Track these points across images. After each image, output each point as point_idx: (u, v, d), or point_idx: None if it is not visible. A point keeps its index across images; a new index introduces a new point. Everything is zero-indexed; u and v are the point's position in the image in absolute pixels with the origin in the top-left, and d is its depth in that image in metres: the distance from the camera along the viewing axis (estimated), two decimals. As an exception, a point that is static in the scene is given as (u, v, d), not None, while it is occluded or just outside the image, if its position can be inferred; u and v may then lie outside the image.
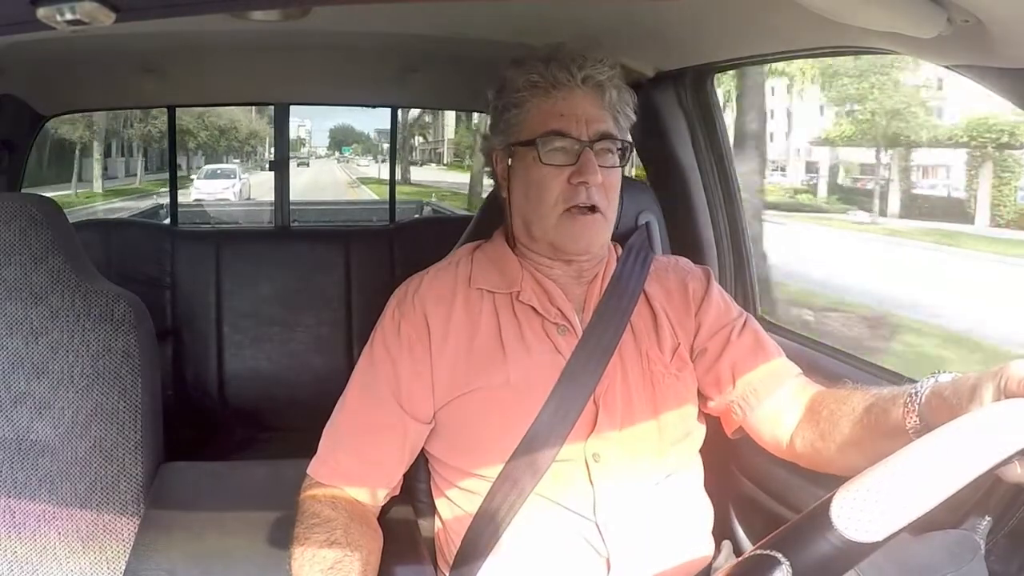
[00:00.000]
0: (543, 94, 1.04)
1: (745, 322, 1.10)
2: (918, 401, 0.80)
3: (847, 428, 0.92)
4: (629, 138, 1.09)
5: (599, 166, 1.02)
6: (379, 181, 14.92)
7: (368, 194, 14.78)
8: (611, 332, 1.05)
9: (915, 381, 1.15)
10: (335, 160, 24.38)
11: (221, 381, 2.23)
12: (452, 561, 1.04)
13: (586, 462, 1.00)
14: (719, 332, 1.08)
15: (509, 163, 1.07)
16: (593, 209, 1.02)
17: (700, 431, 1.08)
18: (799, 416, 1.01)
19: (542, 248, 1.06)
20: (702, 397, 1.09)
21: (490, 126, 1.12)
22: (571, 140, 1.02)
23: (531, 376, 1.01)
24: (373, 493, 1.01)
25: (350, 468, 1.00)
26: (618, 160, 1.05)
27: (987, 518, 0.67)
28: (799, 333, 1.46)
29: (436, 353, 1.03)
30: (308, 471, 1.02)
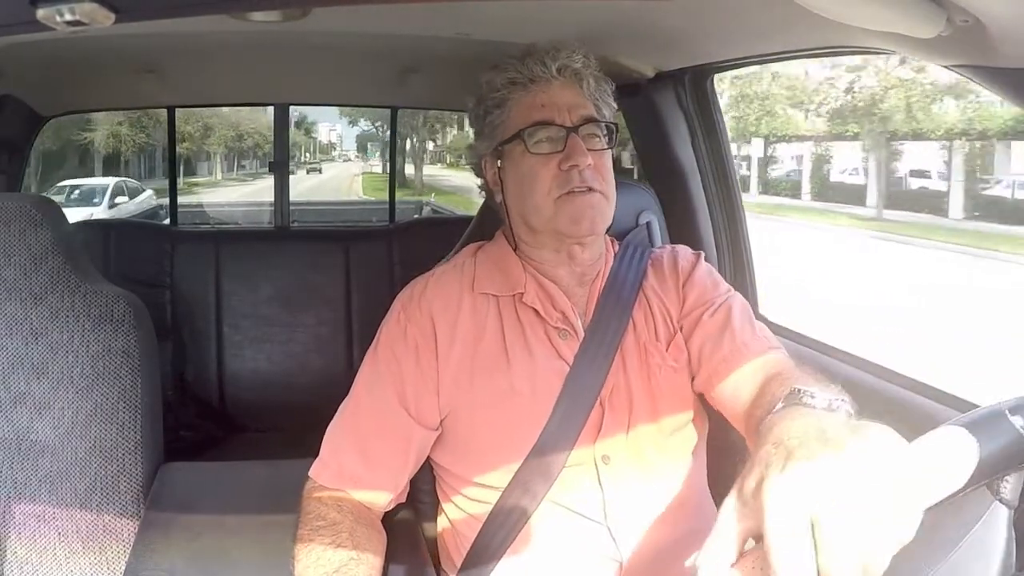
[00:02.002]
0: (522, 89, 1.04)
1: (723, 303, 1.06)
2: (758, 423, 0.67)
3: (756, 431, 0.80)
4: (614, 122, 1.08)
5: (588, 149, 1.01)
6: (372, 173, 22.26)
7: (359, 181, 20.86)
8: (612, 331, 1.04)
9: (920, 383, 1.15)
10: (361, 160, 27.66)
11: (221, 381, 2.24)
12: (460, 564, 1.04)
13: (596, 465, 0.99)
14: (693, 312, 1.06)
15: (499, 164, 1.07)
16: (590, 190, 1.01)
17: (702, 421, 1.07)
18: (751, 396, 0.92)
19: (546, 240, 1.05)
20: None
21: (475, 135, 1.11)
22: (556, 128, 1.02)
23: (535, 383, 1.01)
24: (378, 497, 1.00)
25: (355, 472, 0.99)
26: (606, 143, 1.05)
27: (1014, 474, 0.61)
28: (799, 333, 1.46)
29: (442, 358, 1.02)
30: (311, 474, 1.00)
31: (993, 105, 12.41)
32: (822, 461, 0.51)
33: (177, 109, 2.65)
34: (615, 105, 1.09)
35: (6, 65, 1.68)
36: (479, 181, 1.15)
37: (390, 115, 2.99)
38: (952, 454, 0.55)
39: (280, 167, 2.60)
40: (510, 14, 1.41)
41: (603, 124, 1.05)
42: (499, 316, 1.04)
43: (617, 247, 1.13)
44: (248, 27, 1.44)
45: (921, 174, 14.41)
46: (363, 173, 23.59)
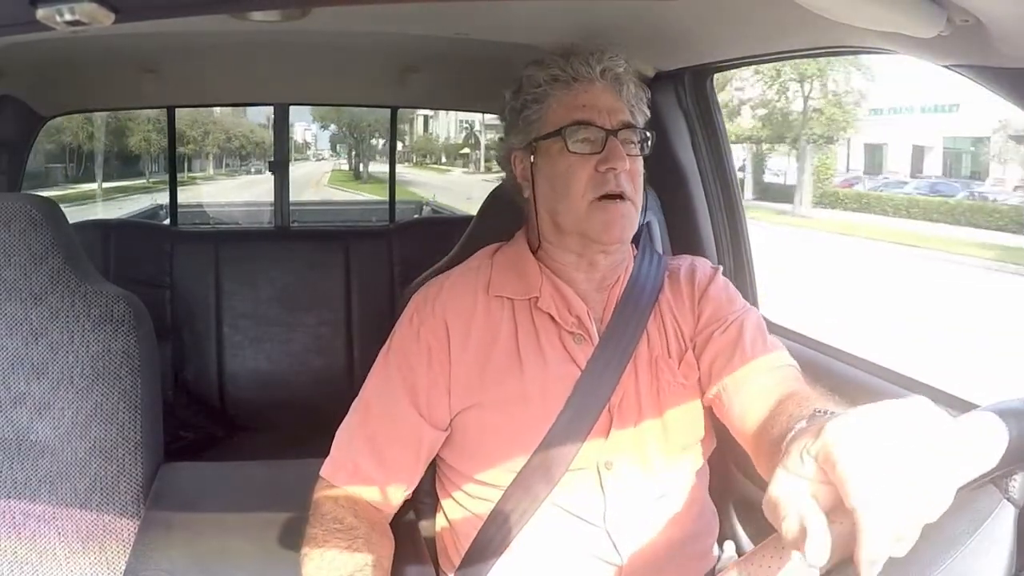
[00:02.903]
0: (564, 87, 1.04)
1: (736, 319, 1.05)
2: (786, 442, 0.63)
3: (769, 450, 0.83)
4: (650, 130, 1.08)
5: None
6: (340, 170, 24.32)
7: (327, 177, 23.13)
8: (627, 340, 1.03)
9: (920, 382, 1.14)
10: (334, 159, 28.84)
11: (221, 381, 2.23)
12: (458, 563, 1.04)
13: (598, 470, 0.99)
14: (706, 329, 1.05)
15: (532, 160, 1.05)
16: (622, 197, 1.01)
17: (709, 437, 1.06)
18: (762, 416, 0.91)
19: (572, 242, 1.04)
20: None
21: (507, 128, 1.10)
22: (596, 129, 1.01)
23: (546, 388, 1.00)
24: (391, 497, 1.00)
25: (369, 472, 0.99)
26: (639, 150, 1.04)
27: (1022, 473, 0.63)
28: (799, 333, 1.46)
29: (455, 361, 1.01)
30: (322, 474, 1.00)
31: (765, 119, 19.06)
32: (866, 414, 0.51)
33: (179, 116, 2.65)
34: (648, 113, 1.09)
35: (6, 65, 1.68)
36: (480, 177, 1.14)
37: (390, 115, 2.98)
38: (984, 436, 0.56)
39: (280, 167, 2.59)
40: (510, 14, 1.41)
41: (638, 131, 1.04)
42: (513, 320, 1.04)
43: (635, 250, 1.12)
44: (248, 27, 1.44)
45: (739, 169, 20.46)
46: (332, 170, 25.05)
